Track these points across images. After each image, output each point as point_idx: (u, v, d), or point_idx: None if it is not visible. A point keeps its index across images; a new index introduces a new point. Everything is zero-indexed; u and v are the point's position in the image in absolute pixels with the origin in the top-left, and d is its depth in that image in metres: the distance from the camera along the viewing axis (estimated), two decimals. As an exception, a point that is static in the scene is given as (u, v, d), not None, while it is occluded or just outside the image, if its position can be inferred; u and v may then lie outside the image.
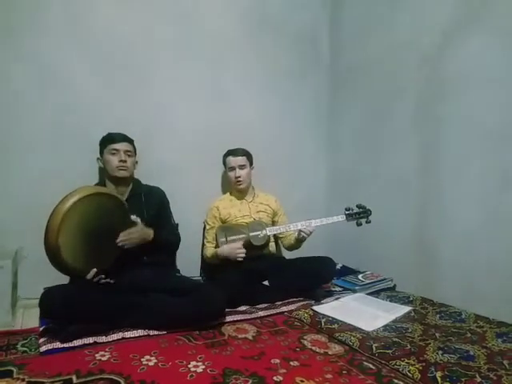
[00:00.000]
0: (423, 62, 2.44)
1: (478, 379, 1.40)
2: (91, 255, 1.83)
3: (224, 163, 2.63)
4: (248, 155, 2.59)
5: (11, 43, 2.20)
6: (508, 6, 2.00)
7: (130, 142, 2.20)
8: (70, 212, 1.70)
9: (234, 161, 2.54)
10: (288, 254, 2.68)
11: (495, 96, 2.06)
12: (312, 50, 3.17)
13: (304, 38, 3.12)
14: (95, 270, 1.84)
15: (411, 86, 2.52)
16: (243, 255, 2.28)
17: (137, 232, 2.00)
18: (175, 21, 2.61)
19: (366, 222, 2.38)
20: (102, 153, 2.17)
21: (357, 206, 2.42)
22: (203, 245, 2.57)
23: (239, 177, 2.52)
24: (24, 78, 2.23)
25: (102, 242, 1.87)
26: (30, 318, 1.96)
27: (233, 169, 2.54)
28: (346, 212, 2.39)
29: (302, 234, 2.34)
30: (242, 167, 2.53)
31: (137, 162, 2.25)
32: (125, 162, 2.11)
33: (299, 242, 2.44)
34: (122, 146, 2.13)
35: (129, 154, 2.16)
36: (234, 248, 2.29)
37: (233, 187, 2.61)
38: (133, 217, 1.97)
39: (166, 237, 2.18)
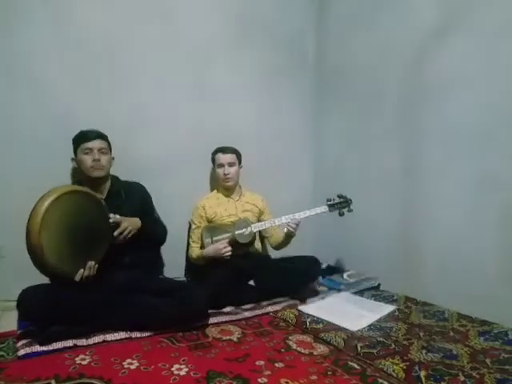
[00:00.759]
0: (406, 64, 2.46)
1: (462, 378, 1.42)
2: (76, 255, 1.78)
3: (213, 160, 2.60)
4: (237, 153, 2.58)
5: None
6: (489, 10, 2.03)
7: (104, 138, 2.10)
8: (49, 211, 1.65)
9: (223, 158, 2.52)
10: (274, 254, 2.67)
11: (476, 98, 2.09)
12: (299, 52, 3.17)
13: (291, 39, 3.11)
14: (82, 270, 1.80)
15: (395, 87, 2.54)
16: (230, 253, 2.26)
17: (126, 221, 1.96)
18: (163, 20, 2.57)
19: (348, 211, 2.40)
20: (75, 152, 2.08)
21: (338, 196, 2.43)
22: (188, 245, 2.54)
23: (228, 174, 2.50)
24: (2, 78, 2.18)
25: (85, 241, 1.82)
26: (8, 321, 1.91)
27: (222, 166, 2.52)
28: (328, 203, 2.39)
29: (289, 227, 2.33)
30: (231, 164, 2.52)
31: (113, 158, 2.17)
32: (99, 160, 2.03)
33: (289, 237, 2.44)
34: (95, 144, 2.03)
35: (103, 151, 2.06)
36: (219, 248, 2.27)
37: (220, 184, 2.59)
38: (111, 215, 1.92)
39: (154, 229, 2.15)
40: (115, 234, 1.91)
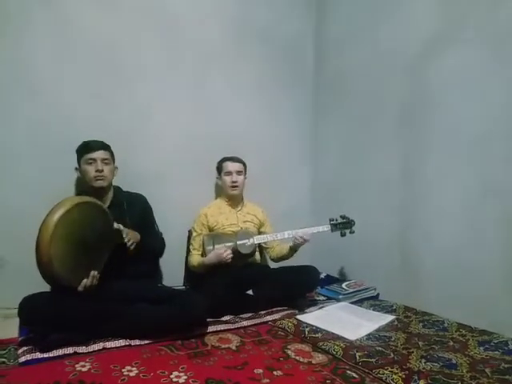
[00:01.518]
0: (406, 72, 2.47)
1: (461, 388, 1.41)
2: (81, 265, 1.80)
3: (219, 169, 2.62)
4: (244, 164, 2.61)
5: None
6: (489, 18, 2.05)
7: (107, 148, 2.13)
8: (59, 225, 1.67)
9: (231, 166, 2.55)
10: (272, 264, 2.68)
11: (476, 105, 2.10)
12: (297, 59, 3.19)
13: (289, 46, 3.14)
14: (86, 280, 1.81)
15: (394, 94, 2.55)
16: (231, 256, 2.27)
17: (129, 234, 1.98)
18: (161, 28, 2.61)
19: (350, 233, 2.43)
20: (79, 162, 2.11)
21: (341, 217, 2.46)
22: (188, 253, 2.55)
23: (236, 182, 2.52)
24: (1, 82, 2.20)
25: (90, 251, 1.84)
26: (9, 329, 1.91)
27: (230, 173, 2.54)
28: (331, 222, 2.43)
29: (297, 242, 2.35)
30: (239, 173, 2.54)
31: (116, 168, 2.20)
32: (102, 171, 2.06)
33: (293, 251, 2.45)
34: (98, 155, 2.06)
35: (106, 162, 2.09)
36: (221, 253, 2.27)
37: (225, 193, 2.60)
38: (115, 224, 1.95)
39: (153, 243, 2.18)
40: (124, 239, 1.93)
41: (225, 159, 2.60)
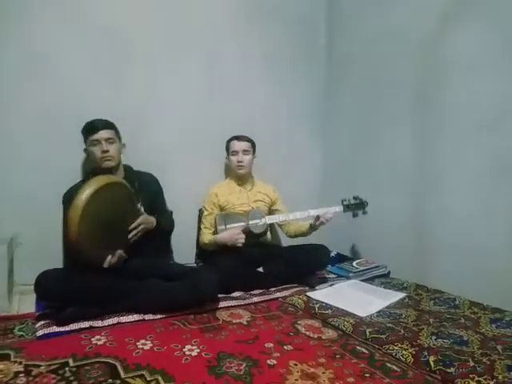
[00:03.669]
0: (420, 49, 2.42)
1: (471, 363, 1.41)
2: (107, 243, 1.84)
3: (227, 148, 2.61)
4: (252, 143, 2.58)
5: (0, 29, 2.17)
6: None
7: (111, 127, 2.08)
8: (88, 203, 1.70)
9: (238, 145, 2.53)
10: (283, 242, 2.69)
11: (491, 83, 2.05)
12: (309, 37, 3.14)
13: (301, 24, 3.08)
14: (110, 257, 1.86)
15: (408, 72, 2.50)
16: (243, 240, 2.28)
17: (143, 222, 2.00)
18: (171, 5, 2.57)
19: (363, 214, 2.43)
20: (85, 143, 2.10)
21: (353, 198, 2.45)
22: (199, 230, 2.57)
23: (241, 161, 2.51)
24: (12, 64, 2.20)
25: (116, 229, 1.87)
26: (27, 304, 1.96)
27: (236, 153, 2.53)
28: (344, 203, 2.42)
29: (321, 220, 2.35)
30: (245, 152, 2.53)
31: (124, 145, 2.17)
32: (107, 151, 2.03)
33: (313, 229, 2.45)
34: (101, 135, 2.03)
35: (110, 141, 2.05)
36: (234, 234, 2.29)
37: (233, 173, 2.60)
38: (138, 205, 1.98)
39: (164, 223, 2.19)
40: (129, 237, 1.96)
41: (232, 138, 2.58)
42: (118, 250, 1.89)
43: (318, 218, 2.36)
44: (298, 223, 2.55)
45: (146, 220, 2.02)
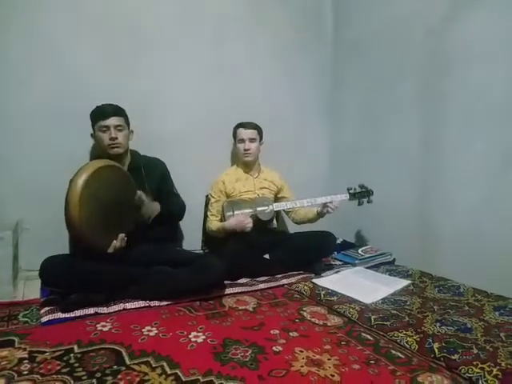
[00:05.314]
0: (428, 35, 2.38)
1: (475, 350, 1.42)
2: (109, 227, 1.82)
3: (234, 135, 2.59)
4: (259, 129, 2.56)
5: (8, 17, 2.14)
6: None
7: (121, 114, 2.05)
8: (87, 186, 1.68)
9: (244, 133, 2.51)
10: (289, 229, 2.69)
11: (499, 71, 2.02)
12: (316, 23, 3.09)
13: (308, 10, 3.04)
14: (115, 242, 1.84)
15: (415, 59, 2.47)
16: (251, 225, 2.28)
17: (146, 208, 1.99)
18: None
19: (368, 202, 2.43)
20: (93, 127, 2.07)
21: (359, 186, 2.45)
22: (205, 217, 2.56)
23: (248, 149, 2.49)
24: (19, 51, 2.17)
25: (117, 214, 1.85)
26: (32, 290, 1.97)
27: (242, 141, 2.51)
28: (349, 192, 2.42)
29: (328, 209, 2.35)
30: (252, 140, 2.51)
31: (132, 132, 2.15)
32: (116, 138, 2.00)
33: (319, 216, 2.45)
34: (111, 122, 1.99)
35: (119, 128, 2.02)
36: (242, 219, 2.29)
37: (240, 160, 2.59)
38: (138, 192, 1.95)
39: (172, 208, 2.16)
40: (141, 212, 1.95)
41: (238, 126, 2.56)
42: (120, 234, 1.87)
43: (324, 205, 2.36)
44: (304, 210, 2.54)
45: (150, 207, 2.00)
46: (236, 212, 2.38)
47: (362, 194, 2.44)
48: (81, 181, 1.68)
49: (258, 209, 2.39)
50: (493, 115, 2.06)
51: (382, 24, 2.70)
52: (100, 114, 2.02)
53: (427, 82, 2.40)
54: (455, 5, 2.22)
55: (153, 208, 2.04)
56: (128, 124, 2.12)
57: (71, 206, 1.65)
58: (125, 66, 2.41)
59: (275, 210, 2.42)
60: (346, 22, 3.04)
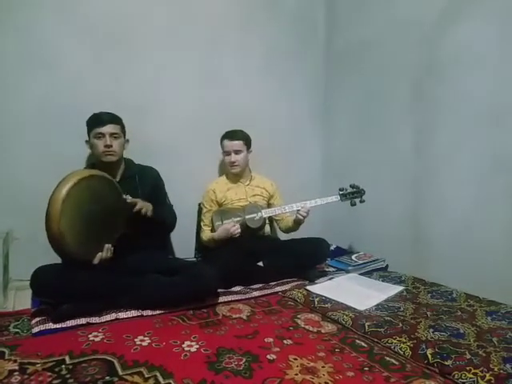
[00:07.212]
0: (421, 42, 2.40)
1: (468, 356, 1.42)
2: (93, 239, 1.80)
3: (221, 145, 2.57)
4: (245, 139, 2.53)
5: (2, 21, 2.13)
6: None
7: (117, 122, 2.06)
8: (68, 198, 1.66)
9: (229, 145, 2.49)
10: (283, 236, 2.68)
11: (490, 76, 2.05)
12: (308, 30, 3.12)
13: (300, 16, 3.06)
14: (101, 253, 1.83)
15: (408, 66, 2.49)
16: (239, 231, 2.27)
17: (141, 202, 1.96)
18: (170, 2, 2.55)
19: (360, 202, 2.40)
20: (88, 134, 2.06)
21: (350, 186, 2.43)
22: (198, 227, 2.56)
23: (234, 162, 2.48)
24: (13, 54, 2.17)
25: (102, 224, 1.83)
26: (22, 300, 1.94)
27: (228, 153, 2.49)
28: (340, 192, 2.40)
29: (299, 215, 2.34)
30: (237, 152, 2.48)
31: (127, 141, 2.15)
32: (110, 146, 2.00)
33: (297, 224, 2.44)
34: (107, 129, 2.00)
35: (115, 136, 2.02)
36: (228, 228, 2.28)
37: (228, 171, 2.59)
38: (125, 196, 1.93)
39: (164, 217, 2.15)
40: (136, 208, 1.92)
41: (224, 136, 2.53)
42: (106, 245, 1.85)
43: (297, 212, 2.35)
44: (287, 219, 2.54)
45: (144, 204, 1.98)
46: (225, 221, 2.37)
47: (353, 194, 2.40)
48: (62, 193, 1.65)
49: (247, 216, 2.38)
50: (482, 121, 2.09)
51: (374, 32, 2.73)
52: (96, 120, 2.02)
53: (419, 90, 2.42)
54: (447, 13, 2.25)
55: (148, 204, 2.01)
56: (124, 133, 2.12)
57: (52, 220, 1.63)
58: (117, 72, 2.42)
59: (264, 216, 2.40)
60: (339, 30, 3.06)
